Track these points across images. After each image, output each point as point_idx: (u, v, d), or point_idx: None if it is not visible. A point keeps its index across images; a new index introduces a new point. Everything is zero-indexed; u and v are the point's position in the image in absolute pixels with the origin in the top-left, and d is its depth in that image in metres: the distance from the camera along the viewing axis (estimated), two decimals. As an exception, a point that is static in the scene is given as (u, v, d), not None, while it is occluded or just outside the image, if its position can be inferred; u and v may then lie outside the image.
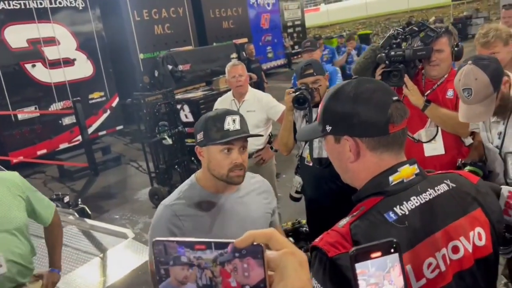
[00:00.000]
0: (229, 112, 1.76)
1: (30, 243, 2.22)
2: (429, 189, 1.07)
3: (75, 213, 3.96)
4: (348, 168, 1.13)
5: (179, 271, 0.59)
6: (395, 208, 1.02)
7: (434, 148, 2.59)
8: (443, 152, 2.57)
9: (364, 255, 0.66)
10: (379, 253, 0.66)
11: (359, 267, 0.65)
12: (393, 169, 1.07)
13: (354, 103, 1.06)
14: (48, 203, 2.38)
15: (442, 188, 1.09)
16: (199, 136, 1.76)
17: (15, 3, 7.59)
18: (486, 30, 2.80)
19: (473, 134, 2.63)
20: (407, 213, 1.01)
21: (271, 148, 3.90)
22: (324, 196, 2.52)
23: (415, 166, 1.10)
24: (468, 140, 2.63)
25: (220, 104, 4.11)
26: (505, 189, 1.31)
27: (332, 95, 1.12)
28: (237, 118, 1.73)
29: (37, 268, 2.40)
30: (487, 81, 2.01)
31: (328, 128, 1.11)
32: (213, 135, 1.71)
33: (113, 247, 3.37)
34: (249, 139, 4.19)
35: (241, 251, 0.57)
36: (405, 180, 1.07)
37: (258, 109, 3.83)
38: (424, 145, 2.62)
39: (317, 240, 1.01)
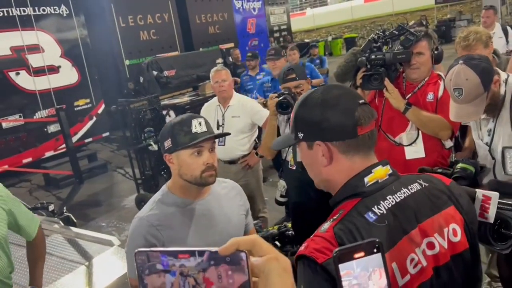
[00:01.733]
0: (194, 116, 1.79)
1: (8, 258, 2.11)
2: (403, 188, 1.11)
3: (60, 222, 3.91)
4: (322, 172, 1.16)
5: (155, 279, 0.59)
6: (373, 208, 1.05)
7: (415, 151, 2.62)
8: (423, 155, 2.60)
9: (347, 256, 0.67)
10: (362, 253, 0.67)
11: (344, 268, 0.66)
12: (367, 171, 1.11)
13: (322, 109, 1.10)
14: (33, 216, 2.26)
15: (415, 187, 1.12)
16: (167, 143, 1.77)
17: (-2, 10, 7.52)
18: (466, 33, 2.84)
19: (453, 137, 2.67)
20: (385, 212, 1.04)
21: (256, 154, 3.89)
22: (308, 200, 2.54)
23: (388, 166, 1.14)
24: (449, 143, 2.67)
25: (206, 109, 4.11)
26: (479, 193, 1.33)
27: (301, 103, 1.16)
28: (202, 120, 1.77)
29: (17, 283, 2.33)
30: (477, 81, 2.03)
31: (300, 135, 1.15)
32: (181, 139, 1.73)
33: (99, 255, 3.34)
34: (234, 145, 4.18)
35: (225, 258, 0.58)
36: (379, 181, 1.10)
37: (242, 115, 3.83)
38: (405, 148, 2.65)
39: (302, 248, 1.01)
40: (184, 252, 0.58)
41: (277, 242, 3.34)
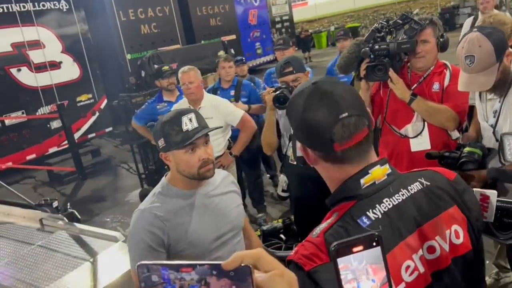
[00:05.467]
0: (183, 112, 1.77)
1: None
2: (402, 189, 1.05)
3: (64, 218, 3.91)
4: (317, 169, 1.13)
5: None
6: (368, 213, 1.00)
7: (420, 143, 2.58)
8: (429, 147, 2.55)
9: (346, 250, 0.65)
10: (361, 247, 0.65)
11: (342, 262, 0.65)
12: (364, 171, 1.05)
13: (301, 119, 1.06)
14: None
15: (416, 187, 1.07)
16: (160, 143, 1.78)
17: (-2, 7, 7.49)
18: (493, 21, 2.74)
19: (460, 127, 2.62)
20: (380, 216, 0.99)
21: (230, 153, 3.80)
22: (308, 194, 2.51)
23: (387, 166, 1.07)
24: (455, 134, 2.62)
25: None
26: (477, 192, 1.30)
27: (291, 101, 1.12)
28: (192, 115, 1.75)
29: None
30: (490, 49, 1.99)
31: (292, 130, 1.15)
32: (173, 139, 1.73)
33: (104, 250, 3.34)
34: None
35: (229, 272, 0.57)
36: (376, 182, 1.04)
37: (215, 116, 3.67)
38: (411, 140, 2.61)
39: (292, 253, 0.99)
40: (186, 266, 0.58)
41: (282, 235, 3.34)
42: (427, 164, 2.31)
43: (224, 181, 2.00)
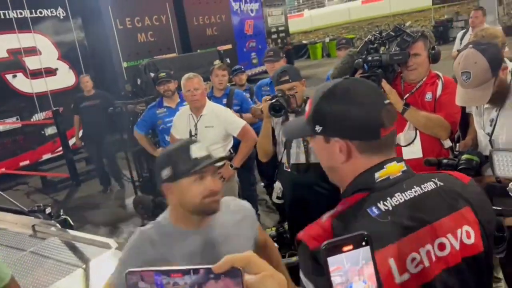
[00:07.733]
0: (190, 141, 1.71)
1: None
2: (415, 187, 1.07)
3: (57, 224, 3.89)
4: (337, 168, 1.12)
5: None
6: (378, 204, 1.02)
7: (412, 151, 2.61)
8: (420, 155, 2.58)
9: (336, 249, 0.66)
10: (350, 246, 0.66)
11: (333, 262, 0.65)
12: (379, 166, 1.07)
13: (346, 105, 1.06)
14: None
15: (429, 186, 1.08)
16: (166, 172, 1.64)
17: (-5, 13, 7.52)
18: (484, 35, 2.79)
19: (452, 136, 2.66)
20: (390, 208, 1.01)
21: (231, 166, 3.70)
22: (303, 202, 2.53)
23: (402, 163, 1.10)
24: (447, 143, 2.66)
25: (178, 118, 3.90)
26: None
27: (324, 95, 1.10)
28: (201, 145, 1.69)
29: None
30: (486, 65, 2.02)
31: (318, 128, 1.09)
32: (182, 166, 1.62)
33: (96, 257, 3.32)
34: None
35: (220, 276, 0.58)
36: (391, 177, 1.07)
37: (216, 125, 3.64)
38: (403, 148, 2.64)
39: (301, 232, 1.01)
40: (177, 272, 0.59)
41: (275, 244, 3.34)
42: (419, 172, 2.34)
43: (235, 216, 1.80)
